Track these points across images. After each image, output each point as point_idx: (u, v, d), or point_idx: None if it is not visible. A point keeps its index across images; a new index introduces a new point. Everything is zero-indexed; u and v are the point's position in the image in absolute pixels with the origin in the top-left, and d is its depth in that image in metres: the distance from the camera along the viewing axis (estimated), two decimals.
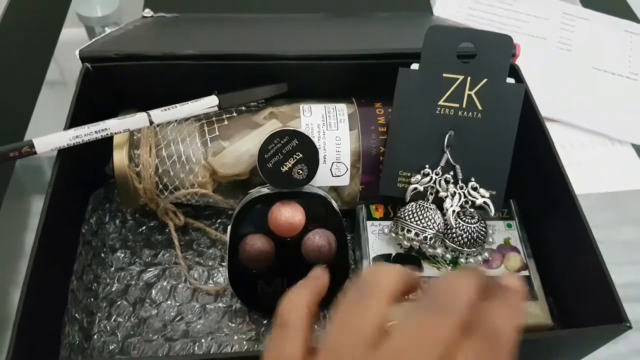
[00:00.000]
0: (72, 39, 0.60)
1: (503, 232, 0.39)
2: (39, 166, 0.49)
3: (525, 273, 0.37)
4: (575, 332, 0.29)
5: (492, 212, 0.37)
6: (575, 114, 0.56)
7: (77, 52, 0.38)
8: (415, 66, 0.37)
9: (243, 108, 0.40)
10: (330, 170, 0.39)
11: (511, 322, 0.23)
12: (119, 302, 0.39)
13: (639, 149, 0.54)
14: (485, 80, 0.36)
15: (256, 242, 0.37)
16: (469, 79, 0.37)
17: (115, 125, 0.35)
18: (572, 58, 0.60)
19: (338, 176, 0.39)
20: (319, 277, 0.27)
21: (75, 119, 0.36)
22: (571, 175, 0.36)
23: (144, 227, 0.43)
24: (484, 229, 0.37)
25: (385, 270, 0.25)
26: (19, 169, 0.48)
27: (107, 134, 0.35)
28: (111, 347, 0.37)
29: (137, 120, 0.35)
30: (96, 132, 0.34)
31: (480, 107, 0.37)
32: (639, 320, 0.40)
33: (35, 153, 0.33)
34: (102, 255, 0.41)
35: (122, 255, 0.41)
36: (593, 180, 0.52)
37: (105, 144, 0.37)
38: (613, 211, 0.50)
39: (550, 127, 0.38)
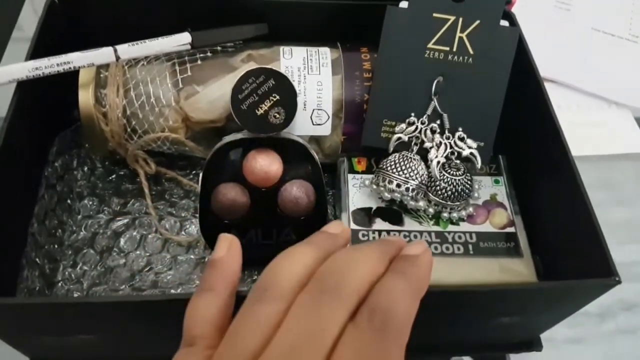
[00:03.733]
0: None
1: (490, 187, 0.37)
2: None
3: (511, 230, 0.35)
4: (561, 285, 0.27)
5: (479, 165, 0.35)
6: (573, 75, 0.53)
7: None
8: (404, 4, 0.34)
9: (219, 49, 0.37)
10: (311, 117, 0.36)
11: (406, 297, 0.20)
12: (85, 250, 0.37)
13: (636, 112, 0.52)
14: (477, 21, 0.34)
15: (229, 192, 0.35)
16: (460, 19, 0.34)
17: (79, 59, 0.32)
18: (571, 18, 0.58)
19: (319, 124, 0.37)
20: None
21: (38, 54, 0.33)
22: (566, 136, 0.33)
23: (113, 176, 0.40)
24: (469, 182, 0.35)
25: (356, 257, 0.21)
26: None
27: (69, 68, 0.32)
28: (75, 295, 0.35)
29: (102, 54, 0.33)
30: (58, 64, 0.32)
31: (471, 51, 0.34)
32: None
33: None
34: (69, 201, 0.38)
35: (90, 202, 0.39)
36: (588, 142, 0.50)
37: (73, 88, 0.35)
38: (608, 175, 0.48)
39: (547, 88, 0.36)
